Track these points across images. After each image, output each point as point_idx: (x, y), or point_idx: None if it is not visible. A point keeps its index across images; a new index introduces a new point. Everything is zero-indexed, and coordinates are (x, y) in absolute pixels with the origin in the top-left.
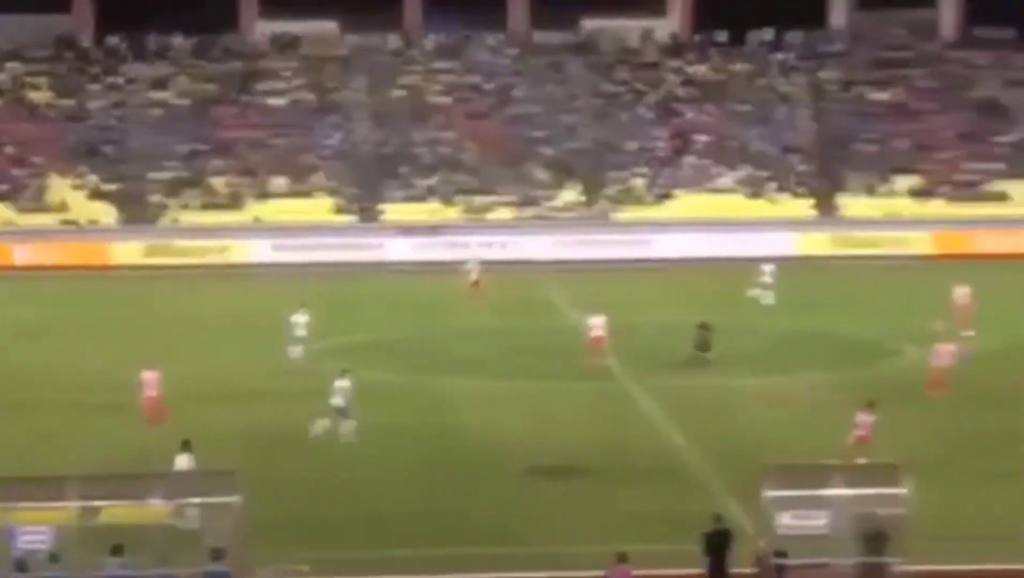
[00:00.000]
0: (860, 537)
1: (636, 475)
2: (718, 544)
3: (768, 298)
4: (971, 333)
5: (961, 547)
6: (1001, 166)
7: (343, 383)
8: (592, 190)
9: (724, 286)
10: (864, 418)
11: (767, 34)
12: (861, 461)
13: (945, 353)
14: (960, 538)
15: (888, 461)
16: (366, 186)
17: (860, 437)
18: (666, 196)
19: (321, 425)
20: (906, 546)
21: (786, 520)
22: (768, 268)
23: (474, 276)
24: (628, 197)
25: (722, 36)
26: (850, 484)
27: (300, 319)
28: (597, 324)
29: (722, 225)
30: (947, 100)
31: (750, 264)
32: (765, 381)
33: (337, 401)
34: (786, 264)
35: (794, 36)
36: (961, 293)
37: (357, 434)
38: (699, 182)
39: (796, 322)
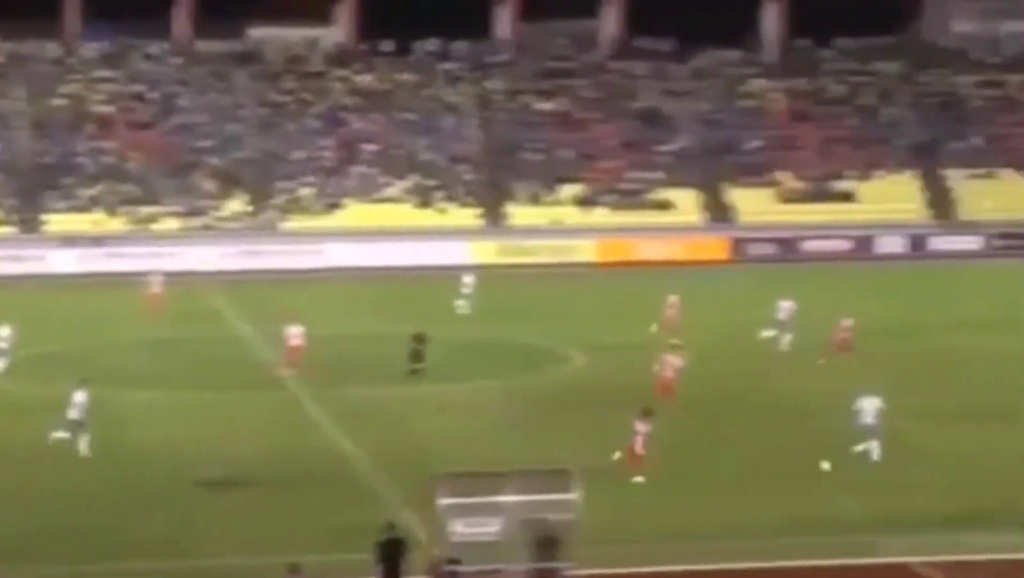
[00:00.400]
0: (532, 543)
1: (309, 485)
2: (391, 553)
3: (464, 307)
4: (677, 341)
5: (631, 550)
6: (662, 175)
7: (80, 396)
8: (259, 200)
9: (399, 295)
10: (641, 426)
11: (433, 44)
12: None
13: (671, 362)
14: (630, 541)
15: (559, 467)
16: (27, 197)
17: (635, 446)
18: (335, 206)
19: (60, 438)
20: (576, 551)
21: (459, 527)
22: (468, 279)
23: (155, 288)
24: (296, 207)
25: (388, 45)
26: (521, 490)
27: (2, 332)
28: (295, 333)
29: (391, 235)
30: (610, 110)
31: (422, 272)
32: (438, 390)
33: (73, 414)
34: (456, 273)
35: (460, 46)
36: (671, 301)
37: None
38: (367, 192)
39: (467, 330)
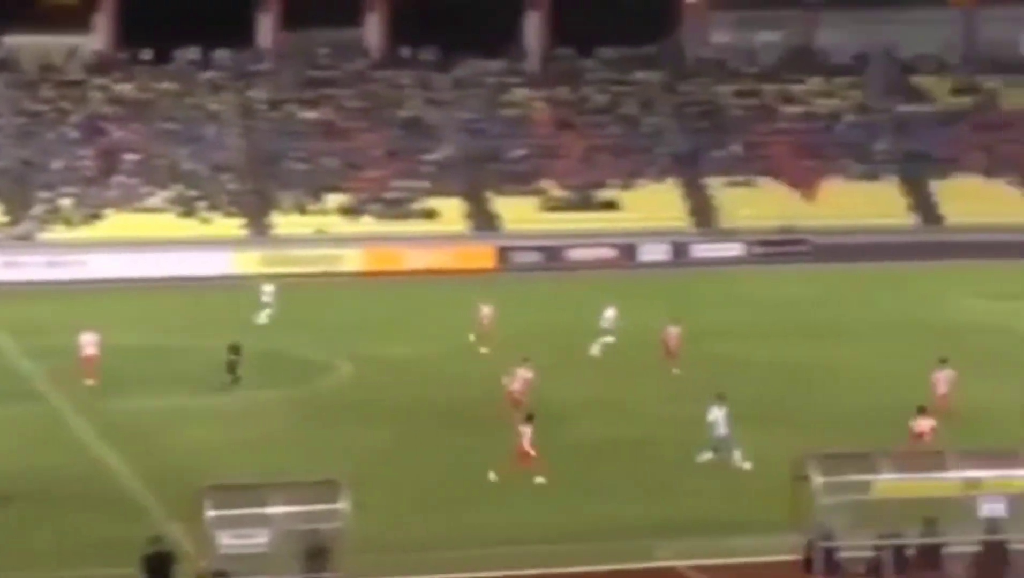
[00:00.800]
0: (301, 553)
1: (73, 499)
2: (158, 566)
3: (264, 318)
4: (486, 350)
5: (401, 559)
6: (427, 184)
7: None
8: (17, 210)
9: (163, 306)
10: (525, 429)
11: (193, 52)
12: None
13: (521, 375)
14: (401, 550)
15: (327, 477)
16: None
17: (523, 450)
18: (96, 216)
19: None
20: (345, 560)
21: (226, 539)
22: (268, 288)
23: None
24: (56, 217)
25: (148, 54)
26: (289, 501)
27: None
28: (89, 341)
29: (154, 245)
30: (374, 119)
31: (185, 282)
32: (207, 401)
33: None
34: (220, 283)
35: (221, 55)
36: (486, 312)
37: None
38: (129, 201)
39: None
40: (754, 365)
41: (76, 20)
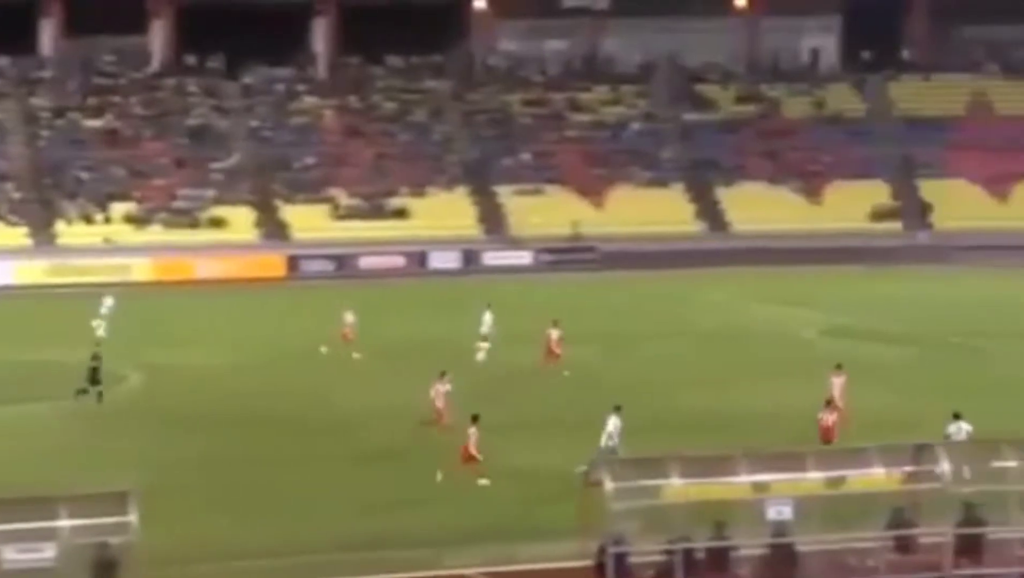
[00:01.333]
0: (90, 567)
1: None
2: None
3: (101, 329)
4: (359, 356)
5: (193, 571)
6: (215, 192)
7: None
8: None
9: None
10: (471, 430)
11: None
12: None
13: (439, 389)
14: (192, 562)
15: (116, 489)
16: None
17: (466, 447)
18: None
19: None
20: (136, 572)
21: (11, 554)
22: (108, 301)
23: None
24: None
25: None
26: (77, 514)
27: None
28: None
29: None
30: (161, 127)
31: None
32: None
33: None
34: (3, 293)
35: (3, 62)
36: (348, 319)
37: None
38: None
39: (17, 353)
40: (542, 372)
41: None
